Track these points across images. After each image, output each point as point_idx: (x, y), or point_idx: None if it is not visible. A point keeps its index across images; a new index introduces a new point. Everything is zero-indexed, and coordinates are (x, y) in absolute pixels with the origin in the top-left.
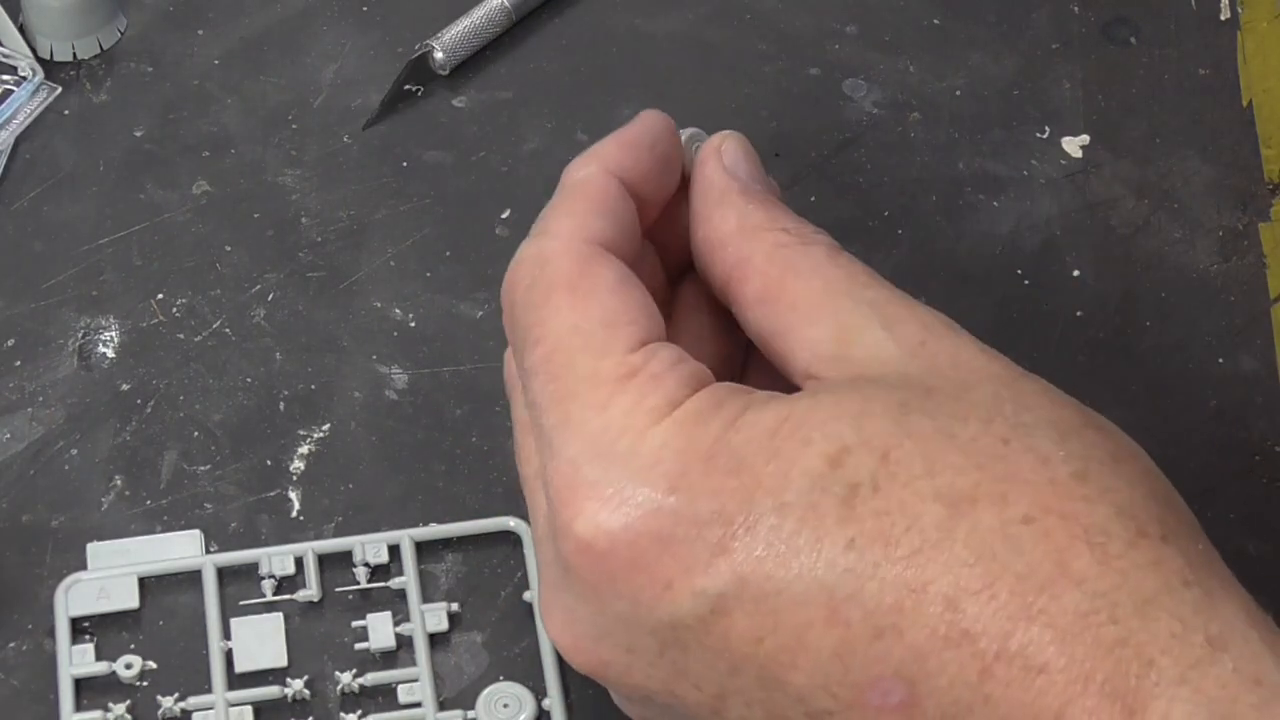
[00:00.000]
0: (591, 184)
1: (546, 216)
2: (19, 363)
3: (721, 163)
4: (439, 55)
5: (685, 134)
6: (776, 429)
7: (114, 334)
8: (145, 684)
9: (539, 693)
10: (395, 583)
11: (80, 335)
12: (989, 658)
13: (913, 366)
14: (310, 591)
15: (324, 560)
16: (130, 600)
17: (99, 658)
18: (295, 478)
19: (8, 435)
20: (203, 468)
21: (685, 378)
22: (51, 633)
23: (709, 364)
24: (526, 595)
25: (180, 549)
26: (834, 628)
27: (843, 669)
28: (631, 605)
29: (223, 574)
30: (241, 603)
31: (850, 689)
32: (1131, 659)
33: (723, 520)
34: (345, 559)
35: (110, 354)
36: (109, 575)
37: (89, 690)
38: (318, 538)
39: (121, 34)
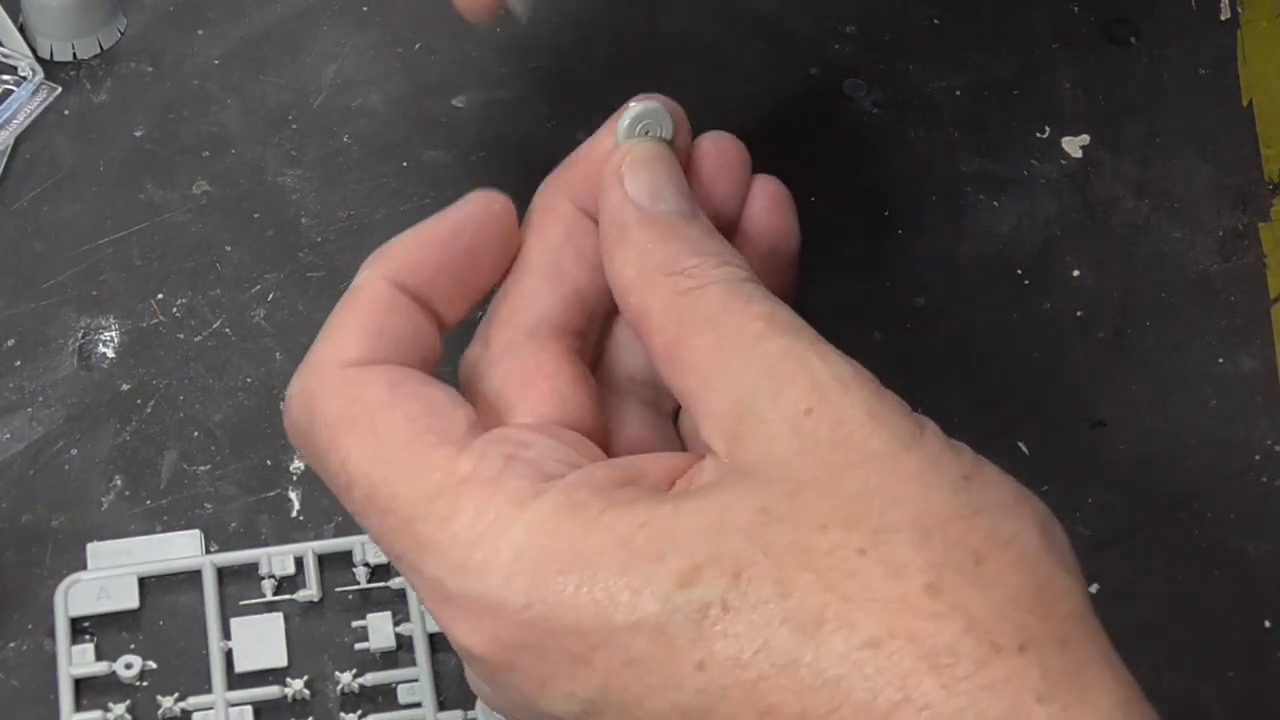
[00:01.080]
0: (361, 296)
1: (317, 339)
2: (19, 363)
3: (623, 188)
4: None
5: (633, 110)
6: (631, 538)
7: (114, 334)
8: (145, 684)
9: None
10: (395, 583)
11: (80, 335)
12: None
13: (793, 446)
14: (310, 591)
15: (324, 560)
16: (130, 600)
17: (99, 658)
18: (295, 478)
19: (8, 435)
20: (203, 468)
21: (525, 471)
22: (51, 633)
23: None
24: None
25: (180, 549)
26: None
27: None
28: (520, 696)
29: (223, 574)
30: (241, 603)
31: None
32: None
33: (579, 634)
34: (345, 559)
35: (110, 354)
36: (109, 575)
37: (89, 690)
38: (318, 538)
39: (121, 34)
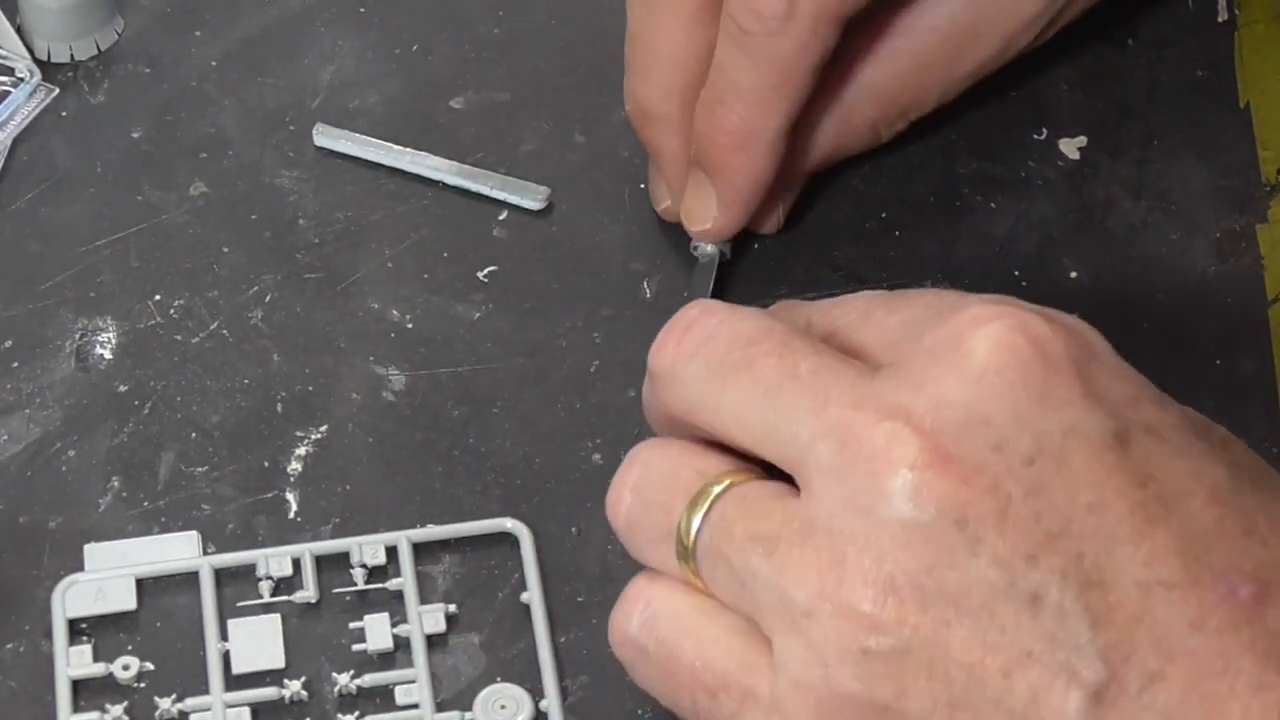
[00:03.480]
0: None
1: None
2: (16, 364)
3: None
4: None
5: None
6: None
7: (111, 335)
8: (143, 685)
9: (536, 694)
10: (393, 584)
11: (78, 336)
12: None
13: None
14: (308, 593)
15: (321, 561)
16: (128, 601)
17: (96, 659)
18: (293, 479)
19: (5, 436)
20: (200, 469)
21: None
22: (49, 634)
23: None
24: (524, 596)
25: (177, 550)
26: (1215, 506)
27: (1203, 549)
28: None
29: (220, 575)
30: (239, 604)
31: (1206, 569)
32: None
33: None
34: (342, 560)
35: (108, 355)
36: (106, 577)
37: (86, 691)
38: (315, 539)
39: (119, 35)
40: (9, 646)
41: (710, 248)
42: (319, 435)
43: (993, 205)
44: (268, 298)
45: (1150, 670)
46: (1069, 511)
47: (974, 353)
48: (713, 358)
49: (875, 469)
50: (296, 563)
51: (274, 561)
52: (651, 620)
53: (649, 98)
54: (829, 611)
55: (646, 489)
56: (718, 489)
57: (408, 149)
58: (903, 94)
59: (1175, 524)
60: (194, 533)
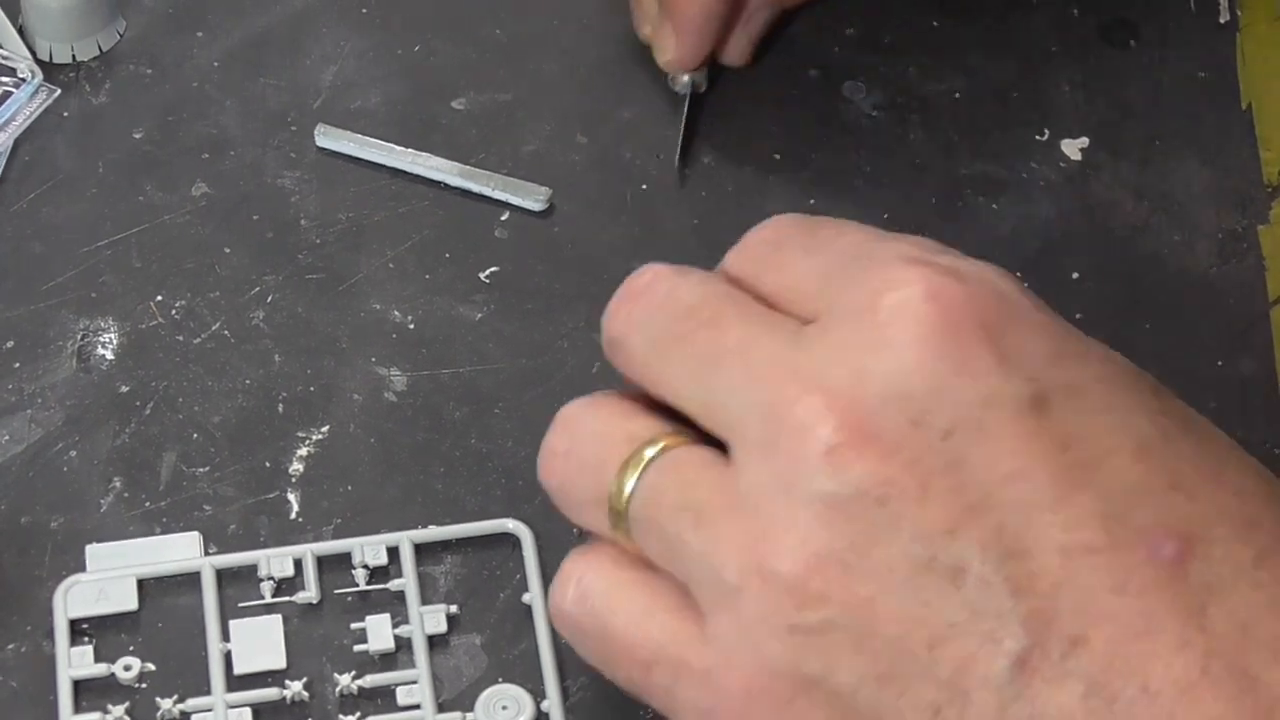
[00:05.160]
0: None
1: None
2: (18, 364)
3: None
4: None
5: None
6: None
7: (113, 336)
8: (144, 686)
9: (538, 695)
10: (394, 585)
11: (79, 337)
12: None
13: None
14: (309, 593)
15: (323, 562)
16: (129, 602)
17: (98, 659)
18: (294, 479)
19: (6, 437)
20: (201, 469)
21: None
22: (50, 634)
23: None
24: (525, 597)
25: (179, 551)
26: (1140, 462)
27: (1125, 509)
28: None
29: (221, 576)
30: (240, 604)
31: (1128, 530)
32: None
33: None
34: (344, 561)
35: (109, 356)
36: (108, 577)
37: (88, 692)
38: (317, 539)
39: (121, 36)
40: (10, 647)
41: (685, 78)
42: (320, 436)
43: (995, 206)
44: (269, 298)
45: (1072, 635)
46: (989, 483)
47: (891, 321)
48: (654, 330)
49: (797, 447)
50: (298, 563)
51: (275, 562)
52: (584, 596)
53: None
54: (756, 587)
55: (579, 451)
56: (650, 452)
57: (409, 150)
58: None
59: (1098, 486)
60: (195, 533)
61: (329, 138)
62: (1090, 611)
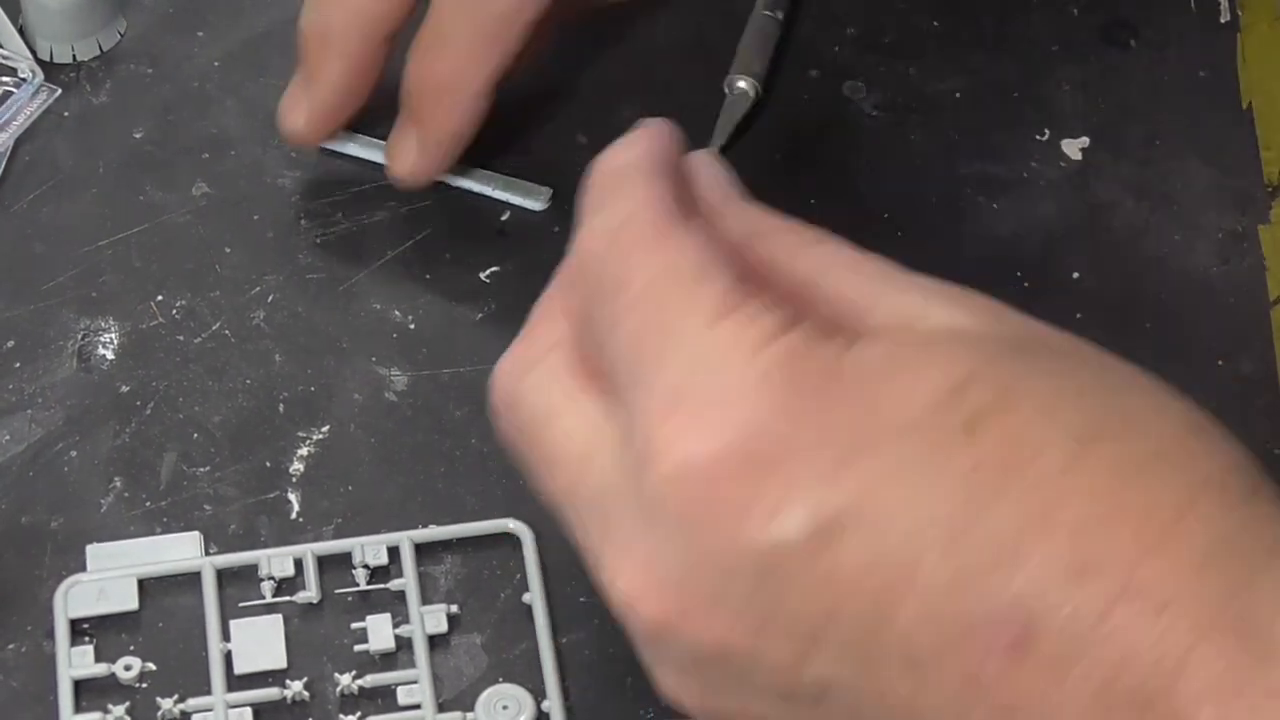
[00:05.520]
0: (652, 155)
1: (610, 190)
2: (18, 364)
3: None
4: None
5: None
6: (891, 356)
7: (113, 336)
8: (145, 685)
9: (538, 695)
10: (395, 584)
11: (80, 337)
12: (1112, 593)
13: (1003, 329)
14: (309, 593)
15: (323, 562)
16: (130, 602)
17: (98, 659)
18: (295, 479)
19: (7, 437)
20: (202, 469)
21: (782, 318)
22: (51, 634)
23: None
24: (526, 597)
25: (179, 551)
26: (951, 557)
27: (956, 601)
28: (731, 535)
29: (222, 576)
30: (241, 604)
31: (961, 625)
32: (1263, 601)
33: (839, 441)
34: (344, 561)
35: (110, 355)
36: (108, 577)
37: (88, 692)
38: (317, 539)
39: (121, 36)
40: (11, 646)
41: (742, 83)
42: (321, 435)
43: (995, 206)
44: (270, 298)
45: None
46: (815, 625)
47: (659, 498)
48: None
49: (626, 623)
50: (298, 563)
51: (276, 562)
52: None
53: (333, 21)
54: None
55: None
56: None
57: None
58: None
59: (914, 599)
60: (196, 533)
61: (331, 139)
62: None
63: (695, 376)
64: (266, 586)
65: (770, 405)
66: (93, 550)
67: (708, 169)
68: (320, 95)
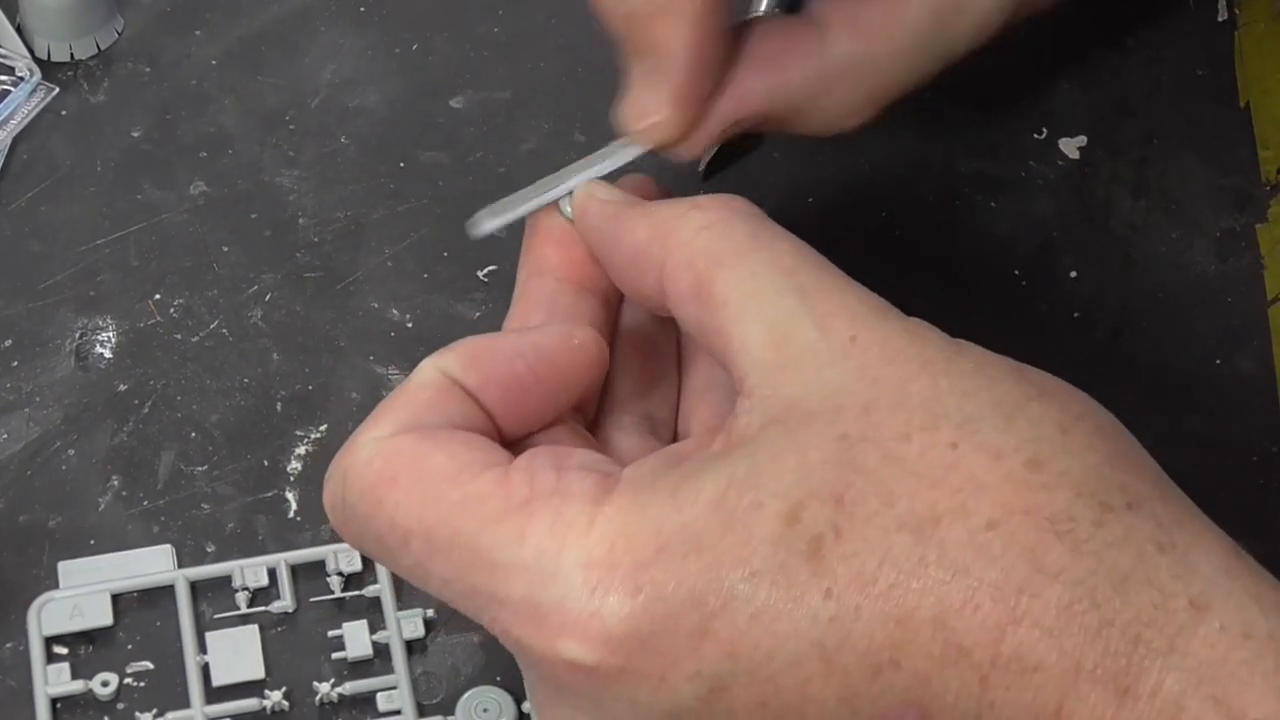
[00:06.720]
0: (410, 383)
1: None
2: (16, 363)
3: (599, 197)
4: None
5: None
6: (722, 498)
7: (111, 334)
8: (123, 703)
9: (519, 697)
10: (369, 590)
11: (77, 336)
12: (986, 667)
13: (847, 371)
14: (285, 603)
15: (297, 570)
16: (104, 618)
17: (74, 676)
18: (293, 478)
19: (4, 436)
20: (200, 468)
21: (582, 475)
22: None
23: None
24: None
25: (152, 564)
26: (833, 677)
27: (850, 712)
28: (630, 704)
29: (196, 587)
30: (216, 616)
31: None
32: (1118, 639)
33: (696, 604)
34: (318, 569)
35: (107, 354)
36: (82, 593)
37: (67, 709)
38: (315, 539)
39: (119, 34)
40: (8, 646)
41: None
42: (319, 434)
43: (993, 205)
44: (268, 297)
45: None
46: None
47: (565, 679)
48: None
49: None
50: (272, 573)
51: (250, 572)
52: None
53: None
54: None
55: None
56: None
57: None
58: (878, 71)
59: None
60: (168, 546)
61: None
62: None
63: (542, 583)
64: (241, 597)
65: (627, 586)
66: (64, 567)
67: (599, 187)
68: (676, 73)
